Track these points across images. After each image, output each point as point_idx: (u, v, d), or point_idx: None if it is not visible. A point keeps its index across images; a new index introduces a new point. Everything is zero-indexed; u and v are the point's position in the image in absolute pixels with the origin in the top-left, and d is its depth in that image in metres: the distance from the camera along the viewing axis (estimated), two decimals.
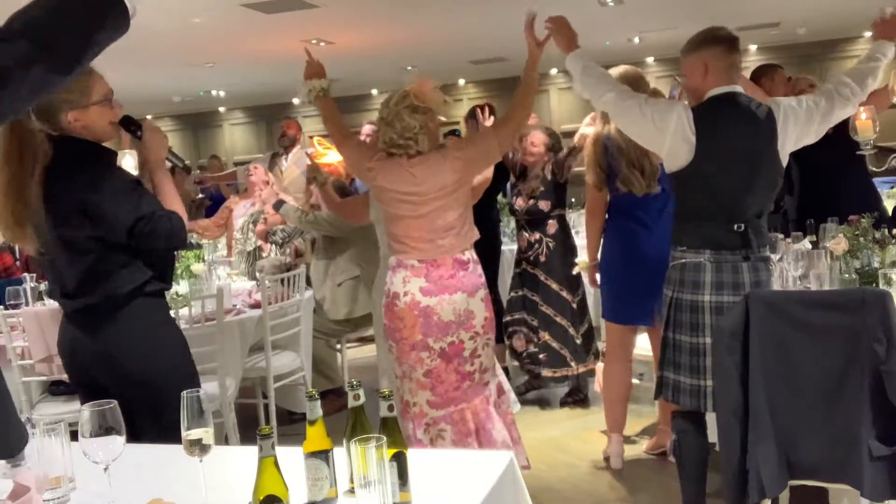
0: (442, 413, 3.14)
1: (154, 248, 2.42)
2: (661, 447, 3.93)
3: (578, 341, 4.78)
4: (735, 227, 2.76)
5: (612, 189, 3.77)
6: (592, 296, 5.38)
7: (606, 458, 3.92)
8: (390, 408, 1.53)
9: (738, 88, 2.82)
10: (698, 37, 2.86)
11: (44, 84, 1.33)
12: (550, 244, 4.79)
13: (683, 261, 2.82)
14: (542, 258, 4.79)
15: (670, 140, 2.78)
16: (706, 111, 2.82)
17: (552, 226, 4.78)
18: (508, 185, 5.26)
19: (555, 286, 4.77)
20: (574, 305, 4.78)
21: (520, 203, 4.80)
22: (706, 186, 2.79)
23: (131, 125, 2.52)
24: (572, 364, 4.77)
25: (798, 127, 2.79)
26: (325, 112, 3.40)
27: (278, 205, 4.73)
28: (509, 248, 5.73)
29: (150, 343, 2.44)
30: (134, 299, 2.41)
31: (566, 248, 4.87)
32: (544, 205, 4.72)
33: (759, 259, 2.80)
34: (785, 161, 2.82)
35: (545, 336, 4.78)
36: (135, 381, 2.38)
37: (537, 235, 4.78)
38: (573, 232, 6.98)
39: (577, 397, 4.93)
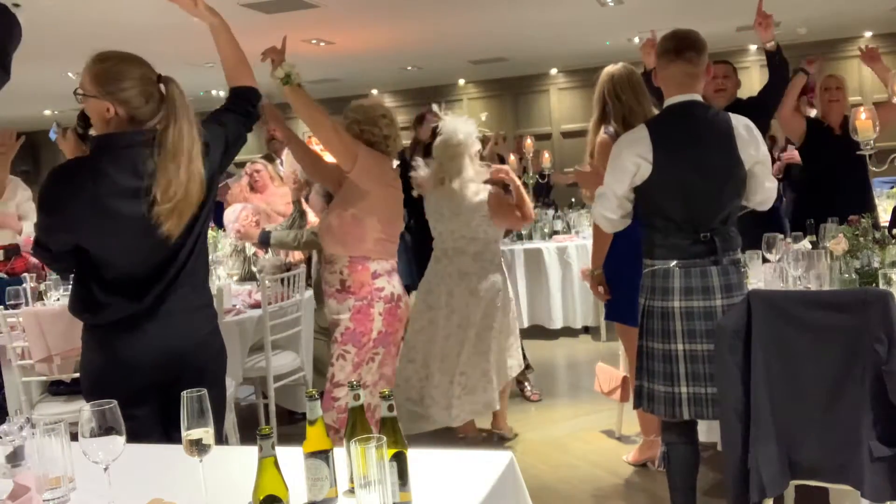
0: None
1: None
2: (645, 460, 3.80)
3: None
4: (701, 236, 2.71)
5: None
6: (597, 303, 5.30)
7: (643, 464, 3.80)
8: (390, 408, 1.52)
9: (696, 97, 2.76)
10: (658, 47, 2.82)
11: None
12: None
13: (654, 268, 2.79)
14: None
15: (636, 169, 2.75)
16: (661, 124, 2.80)
17: None
18: None
19: None
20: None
21: None
22: (668, 198, 2.74)
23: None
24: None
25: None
26: (311, 106, 3.04)
27: (265, 237, 4.26)
28: None
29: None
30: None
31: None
32: None
33: (729, 263, 2.76)
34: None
35: None
36: None
37: None
38: (573, 232, 7.03)
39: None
